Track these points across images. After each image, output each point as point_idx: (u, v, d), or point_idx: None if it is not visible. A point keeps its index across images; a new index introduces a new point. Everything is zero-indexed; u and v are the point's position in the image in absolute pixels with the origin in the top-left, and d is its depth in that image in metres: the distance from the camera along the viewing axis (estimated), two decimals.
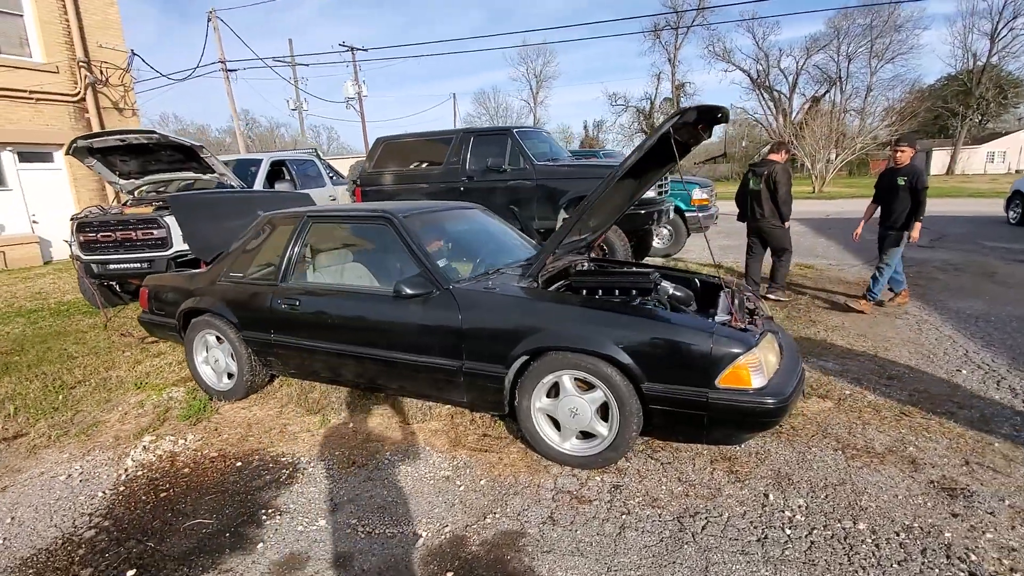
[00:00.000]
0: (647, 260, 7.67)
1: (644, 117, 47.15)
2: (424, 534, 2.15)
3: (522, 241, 3.71)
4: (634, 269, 3.51)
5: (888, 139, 23.58)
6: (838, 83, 37.92)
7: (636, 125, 48.24)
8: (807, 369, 3.62)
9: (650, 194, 6.25)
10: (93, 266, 5.52)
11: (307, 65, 34.99)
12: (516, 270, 3.00)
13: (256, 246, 3.33)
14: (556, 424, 2.57)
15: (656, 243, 8.51)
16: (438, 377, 2.74)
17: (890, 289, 5.22)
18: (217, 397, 3.48)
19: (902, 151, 4.85)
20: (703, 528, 2.11)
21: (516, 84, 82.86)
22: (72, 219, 5.69)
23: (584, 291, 3.09)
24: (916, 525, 2.11)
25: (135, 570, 2.02)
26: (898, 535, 2.05)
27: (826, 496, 2.31)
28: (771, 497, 2.30)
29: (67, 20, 10.07)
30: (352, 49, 29.41)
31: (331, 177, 8.91)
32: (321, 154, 9.50)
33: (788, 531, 2.09)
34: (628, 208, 3.54)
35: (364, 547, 2.09)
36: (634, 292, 2.98)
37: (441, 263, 3.01)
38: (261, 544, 2.14)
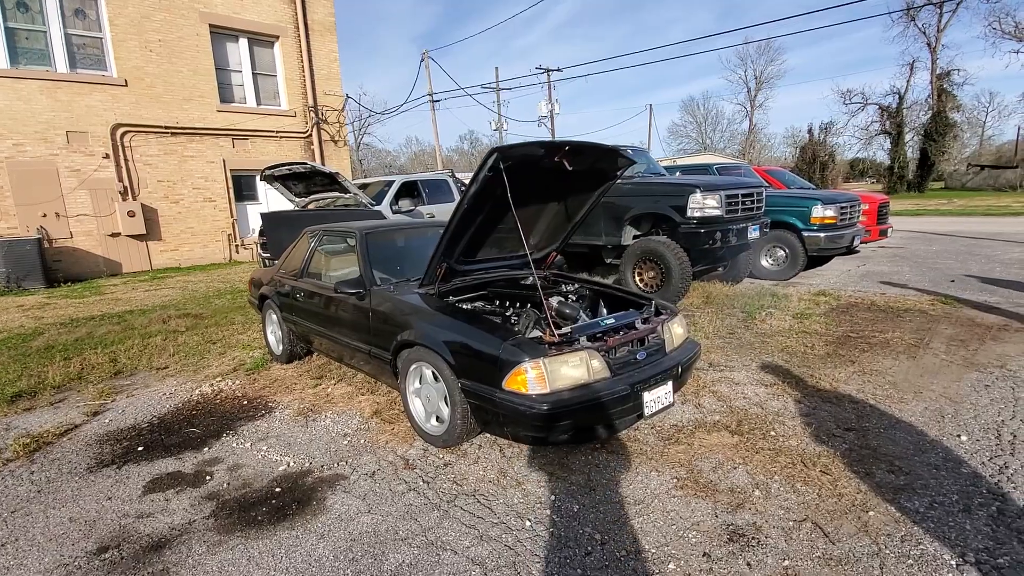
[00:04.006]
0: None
1: (889, 115, 39.46)
2: (290, 463, 2.96)
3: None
4: (543, 285, 3.72)
5: None
6: None
7: (877, 125, 40.74)
8: (757, 407, 3.46)
9: (715, 212, 5.98)
10: (266, 261, 7.67)
11: (509, 89, 38.43)
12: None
13: (295, 251, 4.56)
14: None
15: (767, 264, 7.83)
16: (362, 356, 3.53)
17: None
18: (274, 359, 4.82)
19: None
20: (465, 504, 2.49)
21: (731, 87, 77.14)
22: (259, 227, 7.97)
23: (497, 300, 3.55)
24: (652, 551, 2.15)
25: (143, 447, 3.28)
26: (619, 553, 2.15)
27: (605, 509, 2.43)
28: (553, 498, 2.52)
29: (303, 76, 13.52)
30: (547, 71, 31.64)
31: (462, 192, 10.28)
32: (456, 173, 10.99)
33: (527, 522, 2.34)
34: (572, 229, 3.80)
35: (254, 463, 3.00)
36: (529, 304, 3.34)
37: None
38: (207, 448, 3.21)
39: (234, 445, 3.24)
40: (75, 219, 10.75)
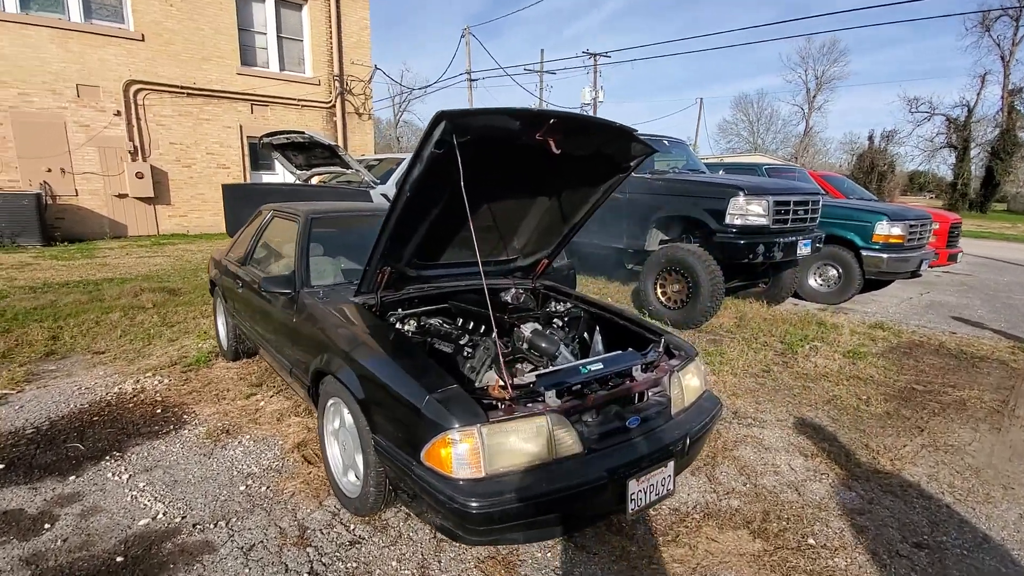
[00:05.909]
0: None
1: (956, 128, 36.52)
2: (159, 514, 2.26)
3: None
4: (526, 305, 2.96)
5: None
6: None
7: (943, 137, 37.83)
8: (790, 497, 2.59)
9: (760, 221, 5.02)
10: None
11: (553, 72, 37.14)
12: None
13: (246, 233, 3.86)
14: None
15: (815, 284, 6.79)
16: (287, 371, 2.80)
17: None
18: (222, 353, 4.16)
19: None
20: None
21: (789, 87, 73.53)
22: None
23: (460, 319, 2.77)
24: None
25: (5, 465, 2.63)
26: None
27: None
28: None
29: (331, 43, 12.86)
30: (594, 55, 30.32)
31: None
32: None
33: None
34: (570, 231, 2.95)
35: (115, 508, 2.31)
36: (495, 332, 2.53)
37: None
38: (75, 477, 2.54)
39: (109, 475, 2.56)
40: (81, 176, 10.40)
